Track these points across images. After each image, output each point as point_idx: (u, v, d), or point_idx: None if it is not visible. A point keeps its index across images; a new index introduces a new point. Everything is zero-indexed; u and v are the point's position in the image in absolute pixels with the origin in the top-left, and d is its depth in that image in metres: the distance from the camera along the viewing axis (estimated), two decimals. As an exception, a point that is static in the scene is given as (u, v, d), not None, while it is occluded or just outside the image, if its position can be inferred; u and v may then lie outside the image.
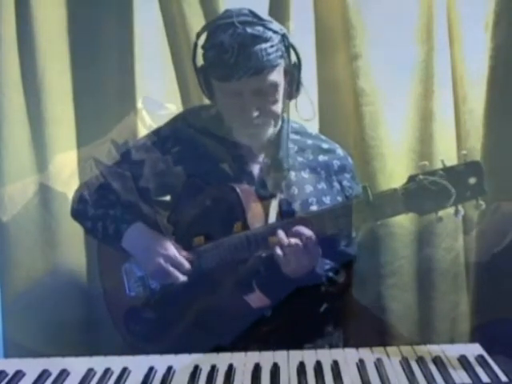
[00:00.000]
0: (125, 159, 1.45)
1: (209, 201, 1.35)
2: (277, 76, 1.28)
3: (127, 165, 1.44)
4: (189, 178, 1.38)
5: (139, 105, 1.71)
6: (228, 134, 1.36)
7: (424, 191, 1.17)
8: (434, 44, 1.67)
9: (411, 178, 1.20)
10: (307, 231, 1.23)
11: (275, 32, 1.26)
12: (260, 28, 1.25)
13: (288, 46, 1.30)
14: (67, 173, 1.75)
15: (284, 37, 1.28)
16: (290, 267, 1.25)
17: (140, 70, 1.70)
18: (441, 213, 1.19)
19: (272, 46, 1.25)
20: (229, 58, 1.23)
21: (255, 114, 1.29)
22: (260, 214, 1.33)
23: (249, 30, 1.23)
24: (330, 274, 1.38)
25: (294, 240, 1.23)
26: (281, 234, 1.24)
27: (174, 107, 1.71)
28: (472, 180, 1.17)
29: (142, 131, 1.69)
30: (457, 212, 1.19)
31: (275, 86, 1.29)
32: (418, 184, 1.18)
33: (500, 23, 1.61)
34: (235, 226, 1.30)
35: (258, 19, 1.26)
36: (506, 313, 1.58)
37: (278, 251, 1.23)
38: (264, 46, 1.23)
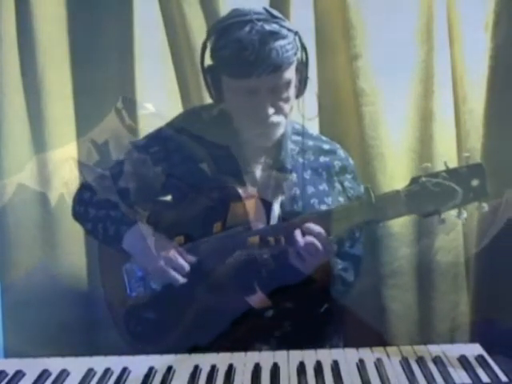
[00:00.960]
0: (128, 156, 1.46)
1: (210, 202, 1.35)
2: (291, 73, 1.28)
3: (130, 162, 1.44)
4: (182, 180, 1.38)
5: (119, 105, 1.71)
6: (235, 134, 1.36)
7: (427, 193, 1.17)
8: (433, 44, 1.67)
9: (414, 180, 1.20)
10: (317, 228, 1.23)
11: (289, 30, 1.27)
12: (276, 26, 1.25)
13: (300, 44, 1.30)
14: (67, 172, 1.75)
15: (297, 34, 1.29)
16: (305, 266, 1.24)
17: (140, 70, 1.70)
18: (443, 214, 1.19)
19: (289, 43, 1.25)
20: (249, 54, 1.22)
21: (271, 111, 1.28)
22: (262, 215, 1.33)
23: (266, 26, 1.23)
24: (343, 273, 1.38)
25: (308, 238, 1.22)
26: (297, 233, 1.23)
27: (152, 107, 1.71)
28: (475, 182, 1.17)
29: (122, 131, 1.70)
30: (460, 214, 1.19)
31: (289, 83, 1.29)
32: (420, 186, 1.18)
33: (500, 23, 1.60)
34: (215, 226, 1.30)
35: (272, 17, 1.27)
36: (506, 313, 1.58)
37: (291, 251, 1.23)
38: (282, 42, 1.23)
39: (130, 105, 1.71)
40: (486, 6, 1.64)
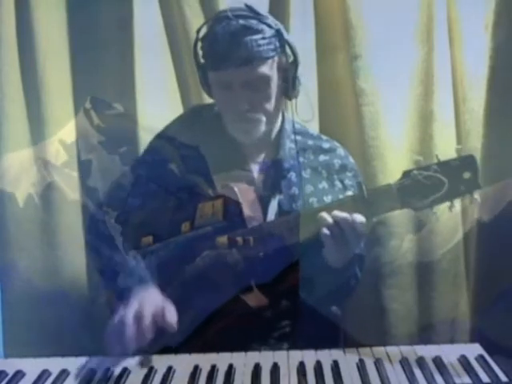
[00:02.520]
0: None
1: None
2: (268, 70, 1.28)
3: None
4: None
5: (87, 105, 1.72)
6: (225, 131, 1.36)
7: (418, 186, 1.17)
8: (433, 44, 1.67)
9: (406, 174, 1.20)
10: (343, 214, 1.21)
11: (269, 26, 1.27)
12: (254, 21, 1.26)
13: (283, 42, 1.30)
14: (66, 173, 1.75)
15: (279, 32, 1.29)
16: (335, 250, 1.23)
17: (140, 69, 1.70)
18: (437, 210, 1.19)
19: (263, 38, 1.25)
20: (219, 47, 1.25)
21: (245, 107, 1.29)
22: (259, 214, 1.33)
23: (241, 21, 1.25)
24: (357, 270, 1.38)
25: (335, 213, 1.20)
26: (325, 214, 1.21)
27: (121, 107, 1.71)
28: (466, 175, 1.17)
29: (90, 131, 1.71)
30: (451, 207, 1.19)
31: (266, 80, 1.29)
32: (412, 179, 1.18)
33: (500, 23, 1.60)
34: (183, 225, 1.29)
35: (254, 13, 1.28)
36: (506, 313, 1.58)
37: (325, 231, 1.20)
38: (255, 37, 1.24)
39: (99, 105, 1.71)
40: (486, 6, 1.64)
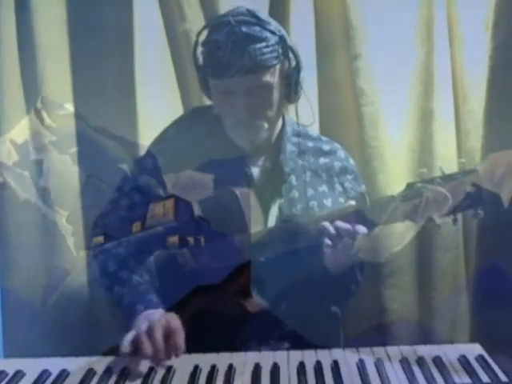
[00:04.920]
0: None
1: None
2: (271, 77, 1.27)
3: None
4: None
5: (38, 105, 1.71)
6: (226, 133, 1.35)
7: (421, 199, 1.17)
8: (434, 44, 1.68)
9: (409, 186, 1.19)
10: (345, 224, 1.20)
11: (272, 33, 1.26)
12: (257, 28, 1.24)
13: (286, 48, 1.28)
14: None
15: (282, 38, 1.27)
16: (335, 258, 1.23)
17: (140, 69, 1.70)
18: (440, 220, 1.19)
19: (267, 47, 1.24)
20: (222, 55, 1.23)
21: (246, 114, 1.28)
22: (259, 218, 1.33)
23: (244, 28, 1.23)
24: (358, 274, 1.38)
25: (337, 222, 1.20)
26: (327, 225, 1.20)
27: (72, 107, 1.71)
28: (470, 189, 1.16)
29: (42, 131, 1.71)
30: (455, 221, 1.18)
31: (269, 87, 1.28)
32: (415, 192, 1.18)
33: (500, 23, 1.60)
34: (134, 225, 1.28)
35: (256, 19, 1.26)
36: (506, 313, 1.58)
37: (327, 241, 1.20)
38: (258, 45, 1.23)
39: (50, 105, 1.71)
40: (486, 6, 1.64)
